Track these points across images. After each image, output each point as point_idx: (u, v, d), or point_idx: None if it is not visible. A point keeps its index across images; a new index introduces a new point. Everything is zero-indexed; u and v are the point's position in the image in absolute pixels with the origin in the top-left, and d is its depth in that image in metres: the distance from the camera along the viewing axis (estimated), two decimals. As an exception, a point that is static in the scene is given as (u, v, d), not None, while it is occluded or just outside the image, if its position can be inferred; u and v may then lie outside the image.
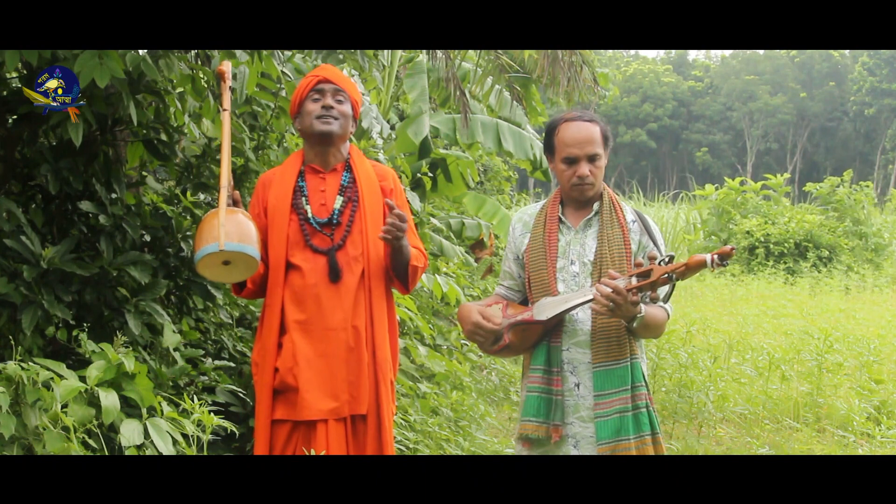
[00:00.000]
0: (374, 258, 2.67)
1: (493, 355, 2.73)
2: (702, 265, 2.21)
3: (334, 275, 2.60)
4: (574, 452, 2.48)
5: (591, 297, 2.35)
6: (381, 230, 2.57)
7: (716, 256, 2.17)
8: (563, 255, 2.54)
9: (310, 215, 2.63)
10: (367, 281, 2.65)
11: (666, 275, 2.25)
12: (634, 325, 2.37)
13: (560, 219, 2.59)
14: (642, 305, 2.34)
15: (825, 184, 16.56)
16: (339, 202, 2.65)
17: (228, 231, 2.39)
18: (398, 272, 2.71)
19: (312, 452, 2.45)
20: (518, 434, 2.55)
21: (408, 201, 2.87)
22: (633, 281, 2.30)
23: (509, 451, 4.42)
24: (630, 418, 2.42)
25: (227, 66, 2.78)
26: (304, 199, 2.65)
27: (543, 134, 2.61)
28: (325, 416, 2.56)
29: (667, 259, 2.29)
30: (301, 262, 2.60)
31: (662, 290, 2.41)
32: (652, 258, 2.30)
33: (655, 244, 2.54)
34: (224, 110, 2.65)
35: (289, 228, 2.62)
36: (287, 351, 2.60)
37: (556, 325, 2.51)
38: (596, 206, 2.56)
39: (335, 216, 2.64)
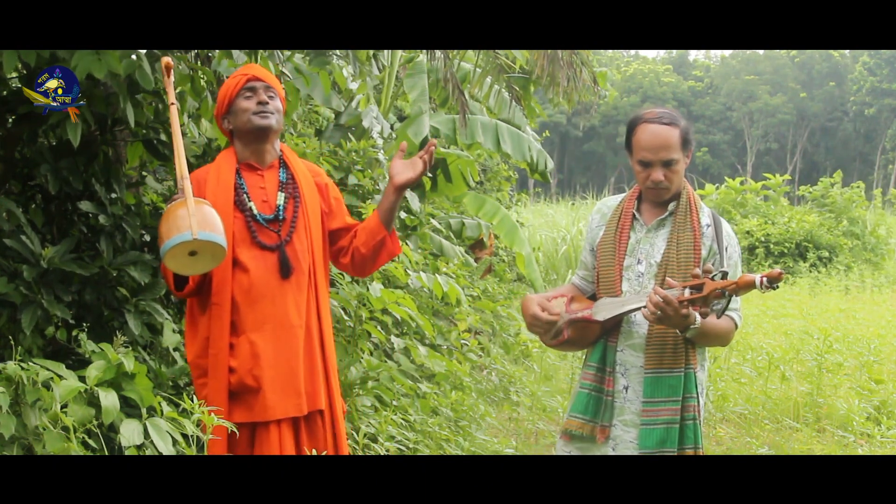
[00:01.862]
0: (318, 253, 2.68)
1: (554, 349, 2.71)
2: (751, 286, 2.19)
3: (285, 270, 2.58)
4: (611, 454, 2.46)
5: (646, 302, 2.33)
6: (420, 160, 2.64)
7: (765, 279, 2.16)
8: (630, 254, 2.51)
9: (255, 212, 2.62)
10: (313, 276, 2.65)
11: (718, 290, 2.24)
12: (688, 334, 2.35)
13: (634, 215, 2.55)
14: (698, 317, 2.30)
15: (818, 186, 16.62)
16: (281, 198, 2.65)
17: (199, 220, 2.36)
18: (390, 227, 2.73)
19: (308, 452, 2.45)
20: (563, 428, 2.55)
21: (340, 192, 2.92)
22: (686, 293, 2.27)
23: (509, 451, 4.43)
24: (676, 430, 2.39)
25: (170, 60, 2.75)
26: (245, 196, 2.63)
27: (625, 129, 2.56)
28: (290, 415, 2.55)
29: (720, 275, 2.27)
30: (248, 260, 2.57)
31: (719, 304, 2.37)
32: (707, 272, 2.28)
33: (720, 252, 2.47)
34: (171, 104, 2.63)
35: (234, 226, 2.59)
36: (244, 352, 2.55)
37: (616, 325, 2.49)
38: (671, 206, 2.51)
39: (280, 212, 2.64)
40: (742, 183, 17.25)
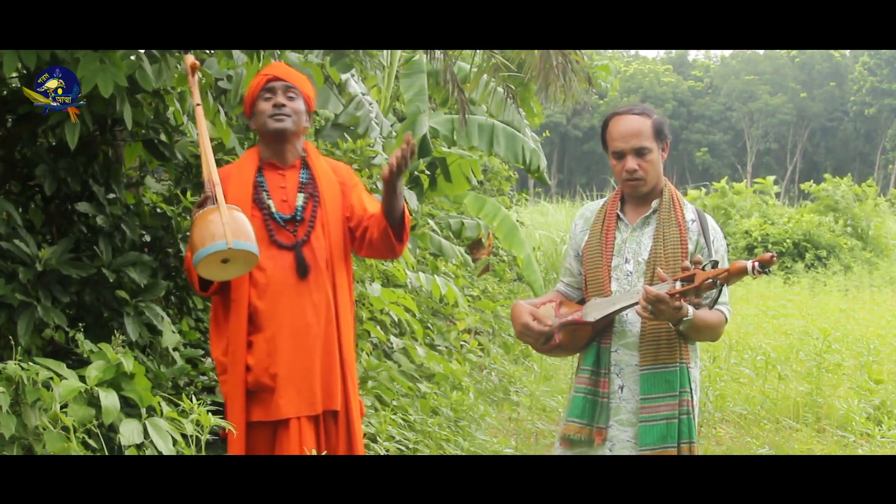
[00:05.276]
0: (337, 253, 2.67)
1: (545, 354, 2.70)
2: (743, 272, 2.18)
3: (302, 270, 2.59)
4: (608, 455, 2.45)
5: (637, 299, 2.32)
6: (394, 156, 2.47)
7: (756, 264, 2.15)
8: (618, 254, 2.51)
9: (273, 211, 2.62)
10: (331, 277, 2.64)
11: (710, 280, 2.23)
12: (681, 327, 2.34)
13: (618, 216, 2.55)
14: (690, 309, 2.31)
15: (823, 184, 16.63)
16: (300, 199, 2.64)
17: (233, 229, 2.37)
18: (393, 222, 2.63)
19: (308, 451, 2.45)
20: (561, 434, 2.53)
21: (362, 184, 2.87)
22: (678, 285, 2.27)
23: (509, 451, 4.42)
24: (676, 426, 2.40)
25: (195, 59, 2.74)
26: (265, 194, 2.64)
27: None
28: (304, 414, 2.55)
29: (710, 264, 2.27)
30: (265, 259, 2.56)
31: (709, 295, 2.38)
32: (697, 262, 2.27)
33: (708, 246, 2.48)
34: (197, 105, 2.62)
35: (252, 225, 2.57)
36: (260, 350, 2.57)
37: (607, 326, 2.48)
38: (655, 203, 2.51)
39: (298, 212, 2.63)
40: (730, 186, 17.33)
